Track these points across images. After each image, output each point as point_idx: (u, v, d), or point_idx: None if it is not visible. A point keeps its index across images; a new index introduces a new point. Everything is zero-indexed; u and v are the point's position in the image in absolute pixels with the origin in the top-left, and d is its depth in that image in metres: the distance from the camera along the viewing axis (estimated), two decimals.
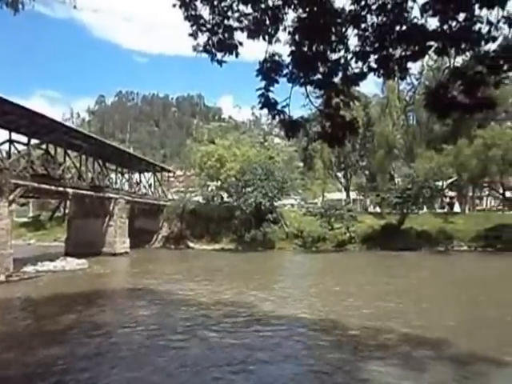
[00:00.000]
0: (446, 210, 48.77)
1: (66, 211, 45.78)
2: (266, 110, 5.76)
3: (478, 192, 52.51)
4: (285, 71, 5.37)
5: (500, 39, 5.36)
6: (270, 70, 5.32)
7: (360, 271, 27.55)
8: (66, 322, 13.61)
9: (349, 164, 55.66)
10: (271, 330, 12.62)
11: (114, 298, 19.52)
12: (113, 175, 42.39)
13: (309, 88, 5.55)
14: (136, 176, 48.05)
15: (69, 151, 33.22)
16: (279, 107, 5.45)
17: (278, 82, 5.41)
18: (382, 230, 40.83)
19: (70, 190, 30.41)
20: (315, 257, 36.28)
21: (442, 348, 10.73)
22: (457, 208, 50.34)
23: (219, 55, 5.38)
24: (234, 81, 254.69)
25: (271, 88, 5.41)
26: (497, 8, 5.06)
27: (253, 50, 5.86)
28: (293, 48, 5.34)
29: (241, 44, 5.37)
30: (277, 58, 5.35)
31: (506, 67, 5.55)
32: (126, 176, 45.63)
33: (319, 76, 5.54)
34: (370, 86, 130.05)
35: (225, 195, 49.00)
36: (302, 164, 57.74)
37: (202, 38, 5.34)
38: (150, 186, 49.58)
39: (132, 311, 15.53)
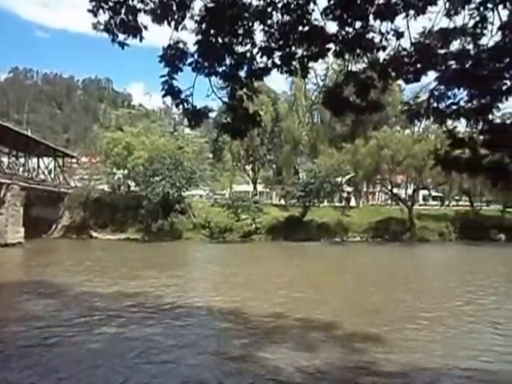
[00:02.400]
0: (343, 203, 52.66)
1: None
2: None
3: (371, 188, 57.57)
4: (190, 60, 5.30)
5: (389, 49, 5.93)
6: (173, 57, 5.21)
7: (260, 261, 28.58)
8: None
9: (257, 157, 57.01)
10: (172, 319, 12.58)
11: (1, 292, 17.65)
12: (5, 159, 38.22)
13: (213, 79, 5.56)
14: (34, 161, 43.86)
15: None
16: (183, 96, 5.38)
17: (181, 70, 5.32)
18: (286, 221, 42.75)
19: None
20: (220, 247, 36.78)
21: (331, 329, 11.67)
22: (353, 202, 54.64)
23: (121, 37, 5.12)
24: (145, 67, 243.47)
25: (175, 76, 5.31)
26: (388, 21, 5.60)
27: (165, 37, 5.71)
28: (199, 37, 5.29)
29: (145, 28, 5.16)
30: (181, 45, 5.25)
31: (393, 75, 6.16)
32: (22, 160, 41.43)
33: (225, 68, 5.58)
34: (280, 83, 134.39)
35: (132, 184, 47.09)
36: (211, 155, 57.76)
37: (104, 16, 5.03)
38: (49, 172, 45.68)
39: (22, 306, 14.17)
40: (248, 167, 59.42)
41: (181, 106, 5.47)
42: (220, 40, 5.47)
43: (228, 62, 5.63)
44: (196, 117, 5.56)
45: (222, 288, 17.98)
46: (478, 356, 9.72)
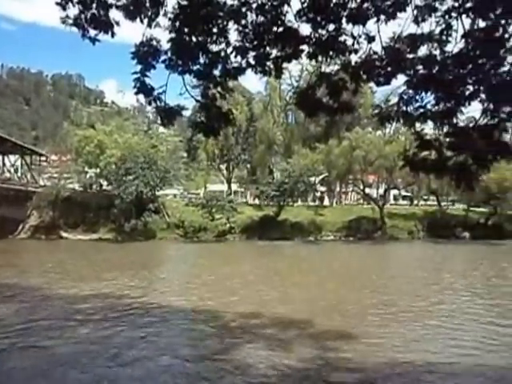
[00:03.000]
0: (317, 203, 53.29)
1: None
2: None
3: (344, 187, 58.46)
4: (163, 57, 5.27)
5: (361, 52, 6.07)
6: (146, 54, 5.16)
7: (233, 261, 28.55)
8: None
9: (231, 157, 56.95)
10: (144, 321, 12.43)
11: None
12: None
13: (187, 77, 5.54)
14: None
15: None
16: (156, 93, 5.34)
17: (154, 67, 5.27)
18: (261, 220, 42.89)
19: None
20: (194, 247, 36.50)
21: (301, 328, 11.80)
22: (326, 202, 55.38)
23: (92, 32, 5.02)
24: (118, 64, 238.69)
25: (148, 73, 5.26)
26: (360, 25, 5.74)
27: (139, 33, 5.65)
28: (172, 35, 5.26)
29: (117, 24, 5.08)
30: (154, 42, 5.21)
31: (365, 77, 6.31)
32: None
33: (199, 66, 5.58)
34: (255, 83, 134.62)
35: (104, 183, 46.10)
36: (185, 154, 57.30)
37: (73, 10, 4.93)
38: (16, 170, 44.07)
39: None
40: (223, 166, 59.24)
41: (153, 104, 5.43)
42: (194, 38, 5.46)
43: (202, 60, 5.63)
44: (169, 115, 5.54)
45: (192, 289, 17.86)
46: (437, 353, 10.08)
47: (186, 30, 5.39)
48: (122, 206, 39.56)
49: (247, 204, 50.88)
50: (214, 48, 5.70)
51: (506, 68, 5.17)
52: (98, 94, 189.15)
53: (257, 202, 51.38)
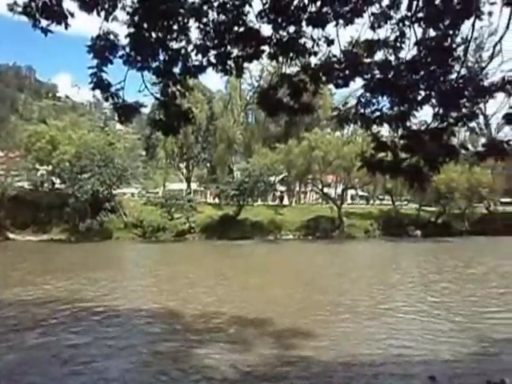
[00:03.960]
0: (276, 202, 53.81)
1: None
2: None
3: (303, 187, 59.40)
4: (121, 52, 5.12)
5: (320, 54, 6.20)
6: (103, 48, 4.99)
7: (189, 261, 28.09)
8: None
9: (191, 155, 56.34)
10: (102, 322, 12.07)
11: None
12: None
13: (146, 74, 5.42)
14: None
15: None
16: (113, 89, 5.18)
17: (111, 62, 5.10)
18: (221, 220, 42.73)
19: None
20: (151, 247, 35.72)
21: (256, 327, 11.87)
22: (286, 201, 56.07)
23: (44, 22, 4.77)
24: (73, 57, 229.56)
25: (104, 68, 5.09)
26: (319, 28, 5.86)
27: (96, 25, 5.41)
28: (131, 30, 5.13)
29: (72, 15, 4.86)
30: (112, 36, 5.05)
31: (324, 79, 6.45)
32: None
33: (158, 63, 5.47)
34: (215, 81, 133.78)
35: (57, 181, 44.14)
36: (144, 152, 56.13)
37: None
38: None
39: None
40: (182, 165, 58.48)
41: (111, 100, 5.26)
42: (154, 34, 5.35)
43: (162, 57, 5.54)
44: (126, 112, 5.40)
45: (141, 291, 17.51)
46: (385, 348, 10.48)
47: (145, 25, 5.27)
48: (76, 205, 38.12)
49: (207, 203, 50.53)
50: (175, 45, 5.63)
51: (453, 76, 5.47)
52: (51, 87, 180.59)
53: (217, 201, 51.18)
